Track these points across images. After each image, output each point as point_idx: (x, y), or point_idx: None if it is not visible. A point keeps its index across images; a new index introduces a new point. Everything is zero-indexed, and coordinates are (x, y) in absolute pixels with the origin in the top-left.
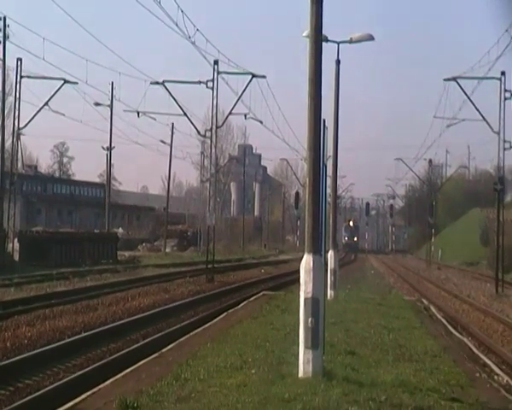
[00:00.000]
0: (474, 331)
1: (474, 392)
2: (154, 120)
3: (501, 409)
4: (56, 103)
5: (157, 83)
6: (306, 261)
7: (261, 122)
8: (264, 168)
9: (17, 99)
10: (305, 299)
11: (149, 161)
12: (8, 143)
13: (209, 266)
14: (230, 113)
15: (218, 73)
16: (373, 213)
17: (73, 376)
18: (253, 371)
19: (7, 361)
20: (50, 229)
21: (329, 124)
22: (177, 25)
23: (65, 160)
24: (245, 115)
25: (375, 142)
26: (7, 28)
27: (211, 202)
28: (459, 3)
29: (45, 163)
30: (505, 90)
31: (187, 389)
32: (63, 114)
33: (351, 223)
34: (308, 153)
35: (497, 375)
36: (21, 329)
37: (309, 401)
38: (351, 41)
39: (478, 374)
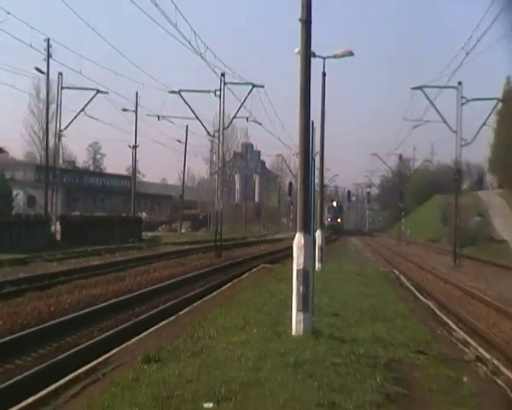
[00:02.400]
0: (436, 296)
1: (437, 346)
2: (172, 123)
3: (458, 359)
4: (91, 109)
5: (174, 92)
6: (298, 239)
7: (260, 124)
8: (263, 162)
9: (58, 107)
10: (297, 270)
11: (168, 157)
12: (51, 143)
13: (217, 243)
14: (235, 117)
15: (225, 83)
16: (353, 199)
17: (105, 334)
18: (254, 331)
19: (51, 322)
20: (86, 214)
21: (317, 125)
22: (190, 43)
23: (98, 156)
24: (247, 118)
25: (355, 140)
26: (50, 48)
27: (218, 191)
28: (425, 25)
29: (82, 159)
30: (461, 97)
31: (199, 345)
32: (97, 119)
33: (334, 203)
34: (299, 149)
35: (455, 332)
36: (63, 296)
37: (300, 355)
38: (335, 57)
39: (439, 331)
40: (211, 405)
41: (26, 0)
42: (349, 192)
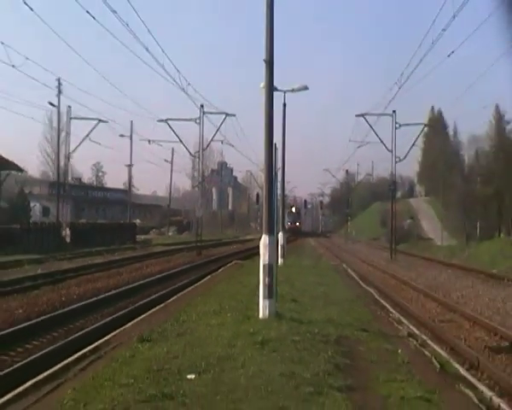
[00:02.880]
0: (376, 284)
1: (377, 325)
2: (160, 145)
3: (394, 335)
4: (94, 135)
5: (162, 120)
6: (264, 239)
7: (233, 146)
8: (235, 177)
9: (68, 134)
10: (264, 265)
11: (157, 174)
12: (62, 164)
13: (198, 244)
14: (212, 140)
15: (203, 113)
16: (309, 206)
17: (106, 320)
18: (229, 315)
19: (62, 310)
20: (91, 221)
21: (279, 146)
22: (174, 81)
23: (100, 174)
24: (221, 141)
25: (310, 158)
26: (60, 86)
27: (199, 201)
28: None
29: (87, 177)
30: (395, 123)
31: (184, 327)
32: (99, 143)
33: (293, 209)
34: (264, 166)
35: (392, 313)
36: (72, 288)
37: (266, 334)
38: (293, 90)
39: (379, 313)
40: (193, 376)
41: (40, 45)
42: (305, 201)
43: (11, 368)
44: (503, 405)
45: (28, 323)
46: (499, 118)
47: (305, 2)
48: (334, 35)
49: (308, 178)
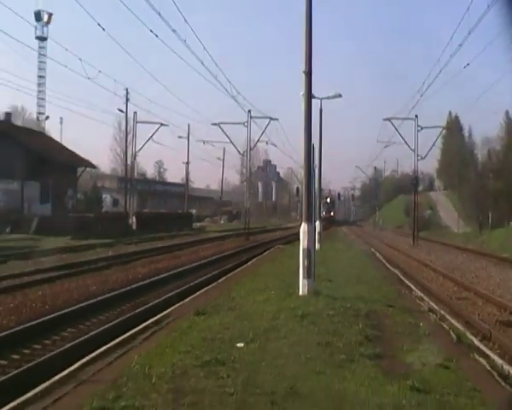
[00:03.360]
0: (400, 266)
1: (401, 301)
2: (213, 145)
3: (416, 310)
4: (156, 137)
5: (215, 124)
6: (303, 227)
7: (276, 145)
8: (278, 173)
9: (134, 136)
10: (303, 249)
11: (211, 170)
12: (129, 161)
13: (246, 231)
14: (258, 141)
15: (251, 117)
16: (342, 198)
17: (168, 295)
18: (273, 292)
19: (129, 287)
20: (153, 211)
21: (317, 146)
22: (226, 90)
23: (161, 170)
24: (266, 142)
25: (344, 156)
26: (128, 94)
27: (246, 193)
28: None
29: (150, 172)
30: (417, 126)
31: (234, 302)
32: (160, 144)
33: (328, 200)
34: (304, 164)
35: (414, 291)
36: (137, 268)
37: (305, 309)
38: (328, 98)
39: (403, 291)
40: (242, 344)
41: (111, 59)
42: (339, 193)
43: (88, 335)
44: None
45: (100, 298)
46: (509, 121)
47: (338, 20)
48: (364, 51)
49: (342, 174)
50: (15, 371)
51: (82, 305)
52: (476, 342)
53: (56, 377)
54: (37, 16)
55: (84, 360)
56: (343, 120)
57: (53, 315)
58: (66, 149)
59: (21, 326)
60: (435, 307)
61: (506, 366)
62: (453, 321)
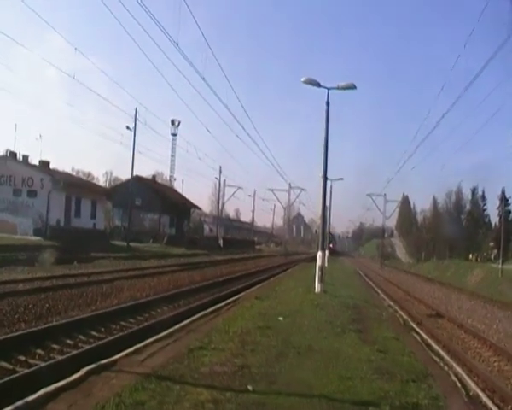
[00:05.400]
0: (373, 279)
1: (372, 300)
2: (268, 201)
3: (381, 306)
4: (236, 194)
5: (270, 189)
6: (319, 253)
7: (304, 205)
8: (305, 221)
9: (223, 193)
10: (318, 265)
11: (266, 215)
12: (220, 207)
13: (285, 252)
14: (293, 202)
15: (290, 187)
16: (340, 237)
17: (239, 286)
18: (300, 290)
19: (217, 279)
20: (232, 237)
21: (321, 200)
22: (271, 163)
23: (238, 213)
24: (299, 203)
25: (342, 210)
26: (220, 173)
27: (286, 232)
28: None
29: (232, 213)
30: (385, 200)
31: (277, 294)
32: (238, 198)
33: (331, 237)
34: (321, 218)
35: (380, 294)
36: (223, 269)
37: (318, 301)
38: (338, 88)
39: (374, 294)
40: (281, 318)
41: (210, 147)
42: (339, 235)
43: (193, 305)
44: (431, 342)
45: (200, 284)
46: (435, 201)
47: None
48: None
49: (339, 221)
50: (151, 321)
51: (191, 287)
52: (414, 325)
53: (176, 326)
54: (172, 122)
55: (191, 318)
56: (340, 194)
57: (173, 291)
58: (184, 197)
59: (157, 295)
60: (392, 304)
61: (428, 339)
62: (401, 313)
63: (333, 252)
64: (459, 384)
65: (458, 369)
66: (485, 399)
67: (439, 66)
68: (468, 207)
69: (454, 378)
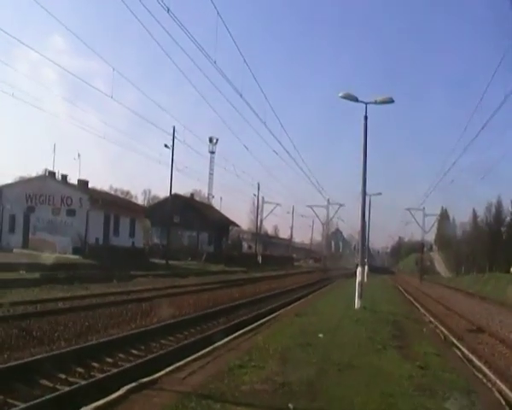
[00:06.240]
0: (412, 294)
1: (413, 315)
2: (306, 217)
3: (421, 321)
4: (275, 211)
5: (309, 206)
6: (358, 268)
7: (343, 220)
8: (343, 236)
9: (261, 210)
10: (358, 281)
11: (305, 231)
12: (259, 224)
13: (324, 268)
14: (331, 218)
15: (329, 203)
16: (379, 253)
17: (279, 303)
18: (339, 306)
19: (256, 297)
20: (271, 253)
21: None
22: (309, 178)
23: (276, 230)
24: (339, 219)
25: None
26: (259, 185)
27: (325, 247)
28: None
29: (270, 230)
30: (424, 213)
31: (316, 309)
32: (276, 215)
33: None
34: (360, 233)
35: (420, 310)
36: (262, 286)
37: (358, 316)
38: (376, 102)
39: (414, 309)
40: (321, 335)
41: (247, 163)
42: (378, 251)
43: (233, 322)
44: (473, 357)
45: (240, 301)
46: (474, 214)
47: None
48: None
49: (379, 237)
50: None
51: (231, 304)
52: (455, 340)
53: (216, 344)
54: (210, 140)
55: (231, 337)
56: (379, 209)
57: (213, 309)
58: (223, 214)
59: (197, 313)
60: (432, 319)
61: (470, 355)
62: (442, 328)
63: (372, 268)
64: (503, 401)
65: (502, 385)
66: None
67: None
68: (508, 219)
69: (498, 395)
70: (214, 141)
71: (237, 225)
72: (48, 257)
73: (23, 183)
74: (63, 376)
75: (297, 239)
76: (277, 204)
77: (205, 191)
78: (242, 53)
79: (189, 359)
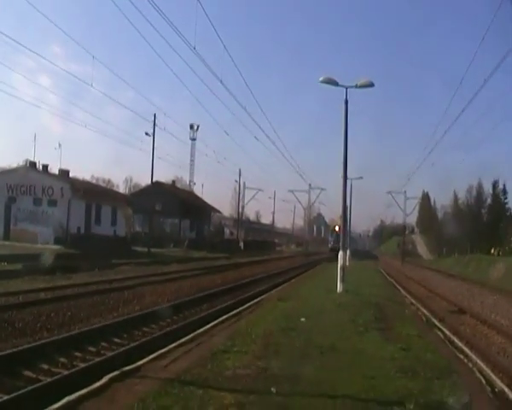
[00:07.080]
0: (394, 277)
1: (395, 297)
2: (288, 202)
3: (403, 303)
4: (257, 196)
5: (291, 190)
6: (340, 253)
7: (325, 205)
8: (325, 221)
9: (243, 196)
10: (340, 265)
11: (287, 216)
12: (240, 210)
13: (306, 253)
14: (313, 203)
15: (310, 188)
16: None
17: (261, 288)
18: (322, 290)
19: (239, 282)
20: (253, 239)
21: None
22: (301, 176)
23: (258, 215)
24: (319, 202)
25: (362, 209)
26: (241, 172)
27: (307, 232)
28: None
29: (252, 216)
30: (405, 197)
31: (299, 294)
32: (258, 200)
33: (336, 228)
34: (342, 217)
35: (401, 292)
36: (244, 271)
37: (340, 300)
38: (356, 86)
39: (395, 291)
40: (304, 319)
41: (231, 153)
42: (360, 234)
43: (217, 307)
44: (455, 338)
45: (222, 287)
46: (455, 196)
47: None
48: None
49: (360, 220)
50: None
51: (213, 290)
52: (436, 322)
53: (199, 330)
54: (191, 126)
55: (213, 323)
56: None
57: (195, 295)
58: (204, 201)
59: (179, 300)
60: (413, 301)
61: (451, 336)
62: (424, 310)
63: (354, 252)
64: (484, 381)
65: (482, 365)
66: (511, 395)
67: (456, 60)
68: (489, 201)
69: (478, 375)
70: (195, 128)
71: (219, 212)
72: (29, 247)
73: (4, 173)
74: (46, 366)
75: (279, 224)
76: (259, 189)
77: (186, 179)
78: (222, 39)
79: (171, 346)
